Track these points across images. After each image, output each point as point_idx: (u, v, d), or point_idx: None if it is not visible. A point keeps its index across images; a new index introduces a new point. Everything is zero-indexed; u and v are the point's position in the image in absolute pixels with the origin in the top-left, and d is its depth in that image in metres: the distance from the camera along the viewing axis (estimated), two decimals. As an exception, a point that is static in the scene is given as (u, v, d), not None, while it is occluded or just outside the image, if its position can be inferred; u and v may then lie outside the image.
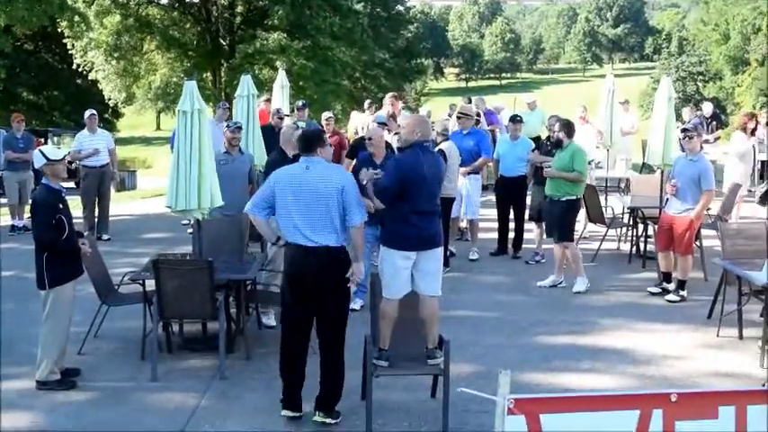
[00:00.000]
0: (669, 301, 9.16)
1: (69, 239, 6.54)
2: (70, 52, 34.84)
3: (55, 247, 6.47)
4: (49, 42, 42.75)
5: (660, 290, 9.45)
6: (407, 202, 6.02)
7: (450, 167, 9.83)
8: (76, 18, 26.89)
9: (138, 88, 38.91)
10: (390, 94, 14.11)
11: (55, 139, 25.53)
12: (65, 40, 33.71)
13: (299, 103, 13.65)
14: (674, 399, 3.60)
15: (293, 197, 5.81)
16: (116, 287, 7.92)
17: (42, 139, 23.48)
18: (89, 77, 35.74)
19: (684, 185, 9.09)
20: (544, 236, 11.03)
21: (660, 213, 9.71)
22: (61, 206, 6.54)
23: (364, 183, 6.32)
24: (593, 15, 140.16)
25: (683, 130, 9.47)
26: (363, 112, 15.18)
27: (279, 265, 8.02)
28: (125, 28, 33.51)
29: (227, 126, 9.35)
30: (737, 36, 71.83)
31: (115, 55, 33.82)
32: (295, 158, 7.51)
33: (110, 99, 37.12)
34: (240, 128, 9.40)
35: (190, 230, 10.26)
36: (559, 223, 9.61)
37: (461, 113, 11.34)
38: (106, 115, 46.69)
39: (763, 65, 66.85)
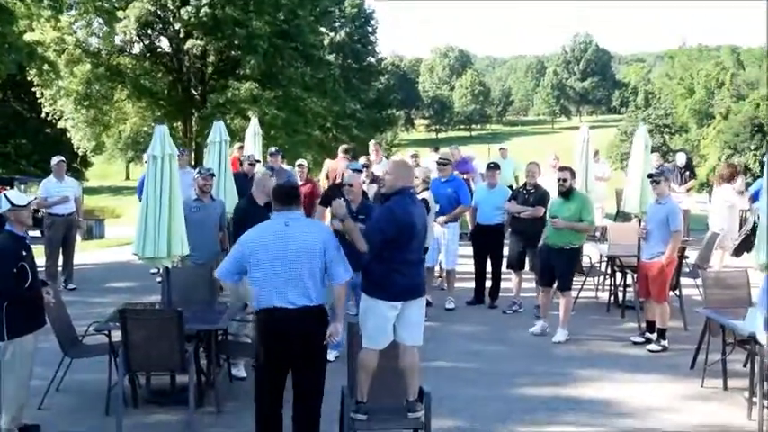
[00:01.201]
0: (651, 351, 8.99)
1: (32, 288, 6.23)
2: (39, 101, 34.59)
3: (15, 297, 6.15)
4: (18, 91, 42.42)
5: (644, 339, 9.29)
6: (398, 250, 5.85)
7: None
8: (46, 67, 26.54)
9: (107, 137, 38.62)
10: (374, 141, 14.12)
11: (21, 187, 25.04)
12: (34, 89, 33.45)
13: (272, 149, 13.47)
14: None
15: (273, 257, 5.48)
16: (80, 338, 7.59)
17: (8, 187, 23.10)
18: (58, 126, 35.45)
19: (654, 229, 9.11)
20: (522, 284, 10.88)
21: (638, 261, 9.59)
22: (24, 254, 6.23)
23: (338, 215, 6.13)
24: (561, 69, 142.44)
25: (650, 176, 9.42)
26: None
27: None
28: (96, 77, 33.32)
29: (200, 173, 9.12)
30: (702, 90, 73.53)
31: (85, 104, 33.60)
32: (266, 207, 7.33)
33: (79, 148, 36.78)
34: (213, 175, 9.20)
35: (159, 279, 9.94)
36: (564, 272, 9.43)
37: (443, 160, 11.19)
38: (75, 164, 46.28)
39: (726, 118, 68.15)
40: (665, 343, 9.03)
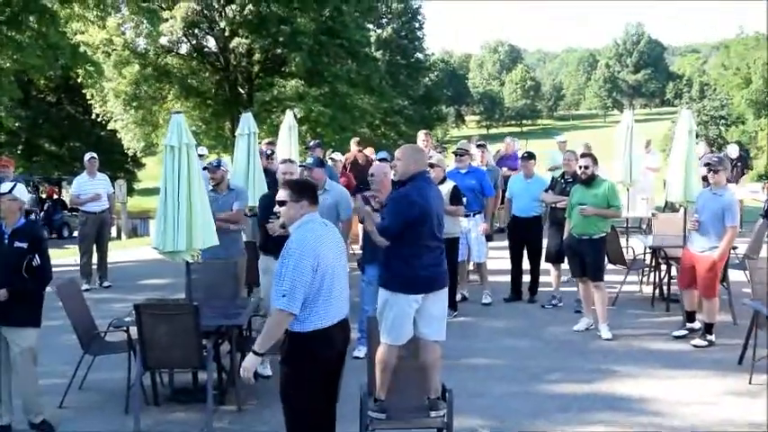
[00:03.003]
0: (696, 346, 8.54)
1: None
2: (90, 103, 35.08)
3: None
4: (71, 94, 43.01)
5: (685, 331, 8.85)
6: (415, 239, 5.58)
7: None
8: (89, 66, 26.62)
9: (157, 137, 38.92)
10: (423, 131, 13.64)
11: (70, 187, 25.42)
12: (84, 91, 33.89)
13: (312, 142, 13.23)
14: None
15: (334, 264, 4.80)
16: (102, 335, 7.47)
17: (56, 188, 23.43)
18: (109, 127, 35.89)
19: (707, 221, 8.50)
20: (562, 278, 10.51)
21: (683, 250, 9.11)
22: None
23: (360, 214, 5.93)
24: (614, 62, 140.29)
25: (707, 164, 8.88)
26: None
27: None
28: (144, 77, 33.73)
29: (206, 167, 8.97)
30: (759, 80, 71.12)
31: (134, 104, 34.00)
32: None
33: (128, 149, 37.17)
34: (219, 166, 8.95)
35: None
36: (597, 262, 9.02)
37: (460, 150, 10.71)
38: (127, 165, 46.86)
39: (785, 107, 66.21)
40: (711, 338, 8.57)
